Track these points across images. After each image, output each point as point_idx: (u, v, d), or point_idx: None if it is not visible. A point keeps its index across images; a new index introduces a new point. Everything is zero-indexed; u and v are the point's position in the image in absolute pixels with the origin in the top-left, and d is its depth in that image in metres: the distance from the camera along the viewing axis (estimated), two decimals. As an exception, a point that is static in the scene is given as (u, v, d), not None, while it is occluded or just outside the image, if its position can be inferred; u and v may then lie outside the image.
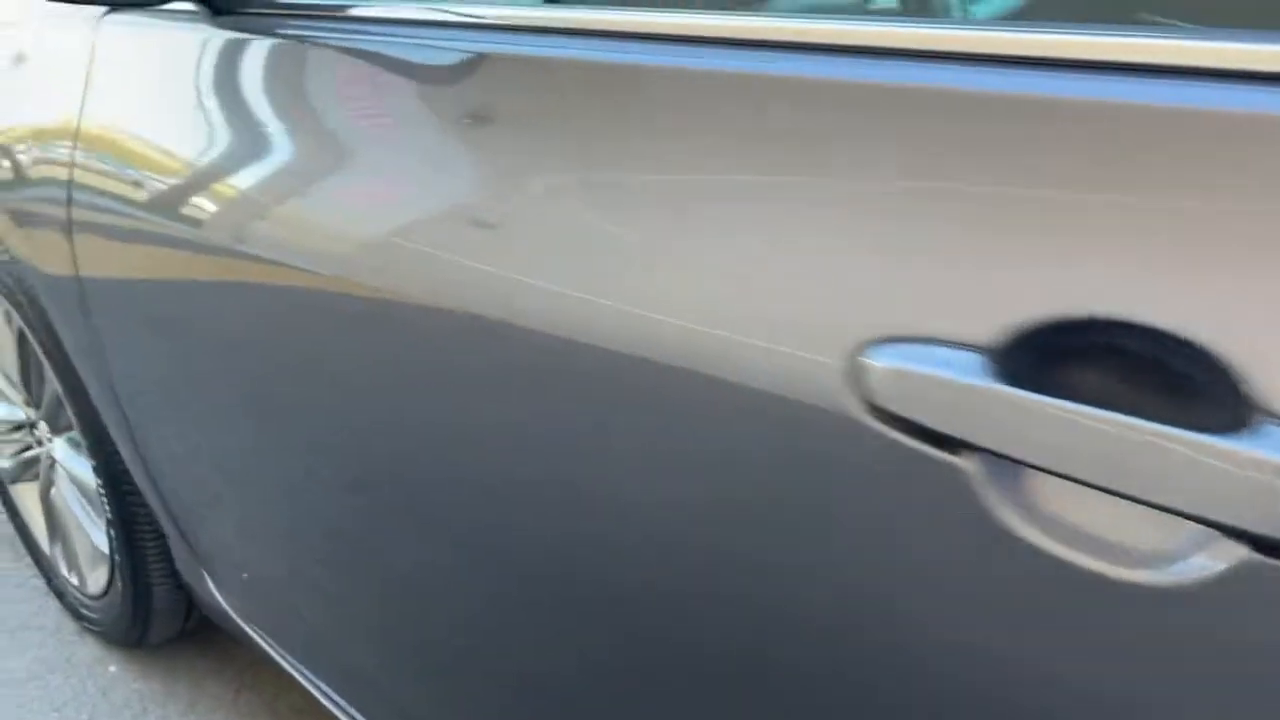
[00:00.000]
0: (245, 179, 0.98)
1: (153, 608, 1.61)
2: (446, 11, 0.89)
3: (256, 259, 0.96)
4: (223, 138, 1.02)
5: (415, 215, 0.82)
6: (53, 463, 1.77)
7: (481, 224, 0.77)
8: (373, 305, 0.85)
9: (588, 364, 0.70)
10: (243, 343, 1.02)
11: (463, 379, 0.79)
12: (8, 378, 1.80)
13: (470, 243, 0.77)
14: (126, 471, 1.48)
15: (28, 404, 1.78)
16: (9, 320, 1.70)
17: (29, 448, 1.88)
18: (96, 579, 1.71)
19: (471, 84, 0.82)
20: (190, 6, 1.09)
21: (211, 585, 1.39)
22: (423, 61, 0.87)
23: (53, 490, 1.80)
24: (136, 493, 1.49)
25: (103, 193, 1.17)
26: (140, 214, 1.11)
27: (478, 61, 0.82)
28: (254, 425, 1.06)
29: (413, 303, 0.81)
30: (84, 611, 1.78)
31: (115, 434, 1.41)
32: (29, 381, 1.72)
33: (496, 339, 0.75)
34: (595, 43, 0.76)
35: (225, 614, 1.39)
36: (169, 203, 1.07)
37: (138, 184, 1.11)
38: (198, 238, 1.03)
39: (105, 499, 1.54)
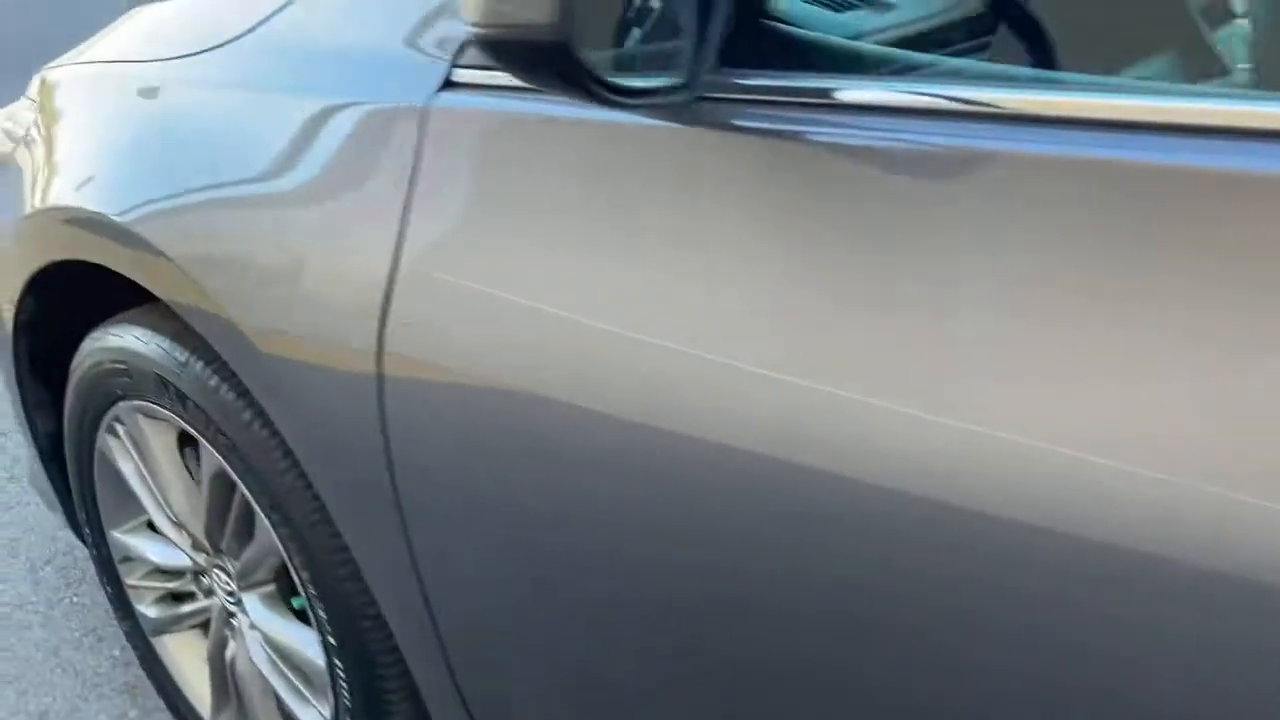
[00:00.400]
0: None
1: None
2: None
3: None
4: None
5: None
6: (228, 618, 1.48)
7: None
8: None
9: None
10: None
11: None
12: (168, 514, 1.50)
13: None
14: (382, 641, 1.20)
15: (197, 548, 1.48)
16: (172, 450, 1.41)
17: (186, 597, 1.57)
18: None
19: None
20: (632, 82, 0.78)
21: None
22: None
23: (229, 652, 1.50)
24: (392, 662, 1.21)
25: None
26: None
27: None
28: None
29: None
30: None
31: (383, 580, 1.12)
32: (214, 525, 1.42)
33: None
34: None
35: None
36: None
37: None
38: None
39: (342, 674, 1.26)
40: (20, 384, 1.64)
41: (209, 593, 1.52)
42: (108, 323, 1.40)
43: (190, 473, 1.44)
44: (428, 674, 1.15)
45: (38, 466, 1.73)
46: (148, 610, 1.63)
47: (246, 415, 1.21)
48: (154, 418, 1.40)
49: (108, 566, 1.64)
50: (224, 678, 1.53)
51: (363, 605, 1.20)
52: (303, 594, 1.28)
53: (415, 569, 1.05)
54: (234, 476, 1.28)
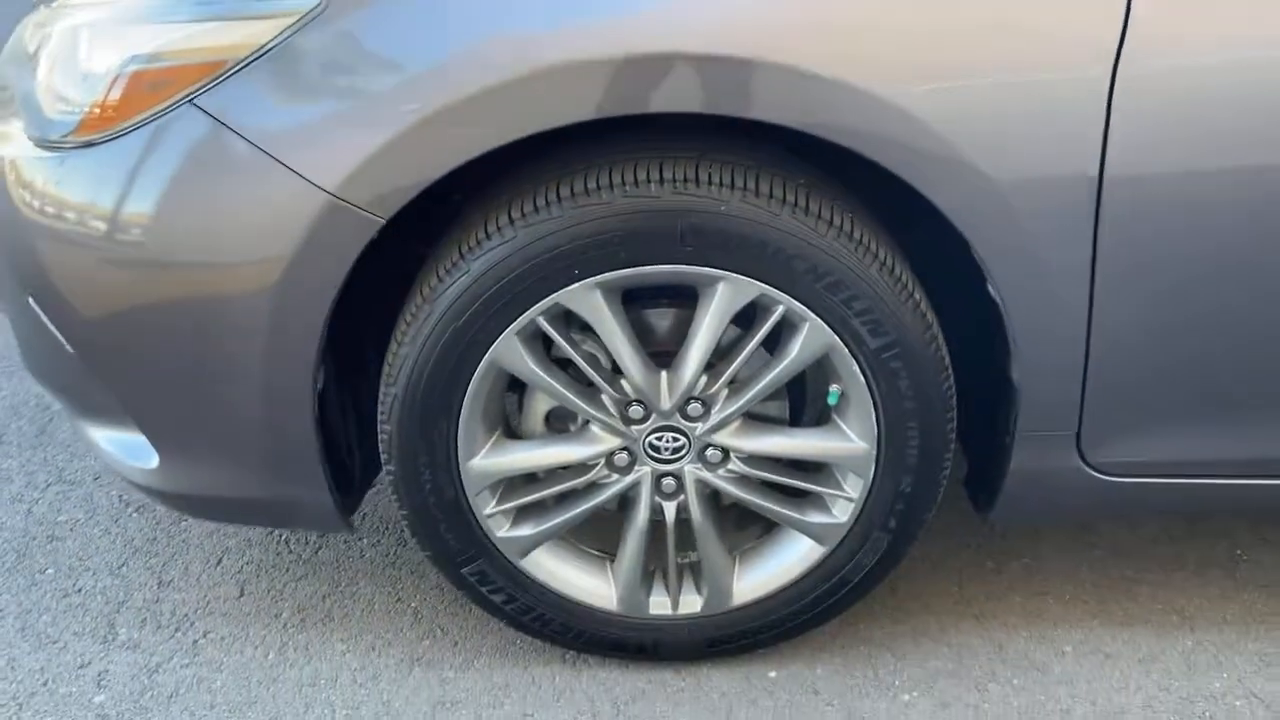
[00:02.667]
0: None
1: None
2: None
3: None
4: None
5: None
6: (658, 481, 1.49)
7: None
8: None
9: None
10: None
11: None
12: (613, 393, 1.44)
13: None
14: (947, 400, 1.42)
15: (631, 422, 1.44)
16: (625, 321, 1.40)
17: (576, 495, 1.50)
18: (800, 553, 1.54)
19: None
20: None
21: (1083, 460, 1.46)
22: None
23: (670, 509, 1.50)
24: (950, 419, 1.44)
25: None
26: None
27: None
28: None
29: None
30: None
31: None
32: (714, 374, 1.43)
33: None
34: None
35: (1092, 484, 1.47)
36: None
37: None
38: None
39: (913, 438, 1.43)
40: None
41: (627, 469, 1.48)
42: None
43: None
44: (1048, 404, 1.40)
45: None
46: (516, 531, 1.51)
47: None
48: (608, 291, 1.35)
49: (452, 510, 1.47)
50: (643, 549, 1.53)
51: (937, 365, 1.40)
52: (847, 382, 1.40)
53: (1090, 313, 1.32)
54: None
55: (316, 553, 1.89)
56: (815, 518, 1.51)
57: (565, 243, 1.31)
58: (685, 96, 1.24)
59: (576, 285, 1.34)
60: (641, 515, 1.51)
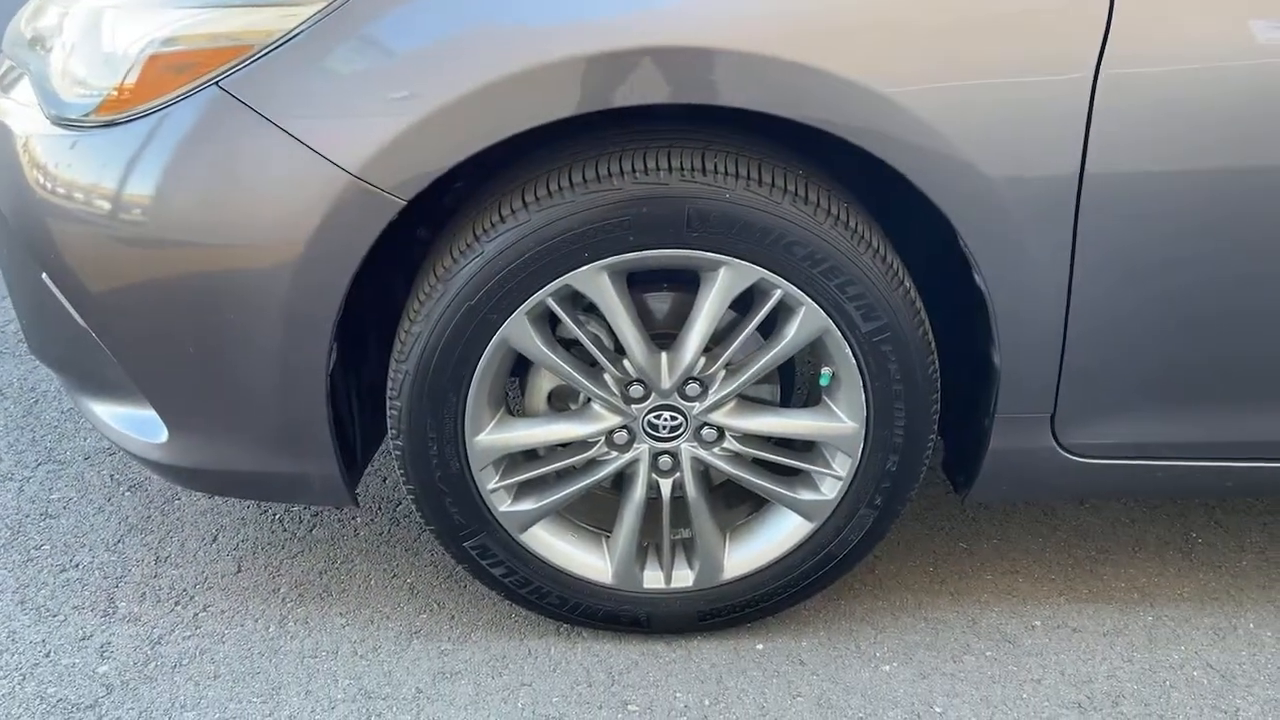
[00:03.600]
0: None
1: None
2: None
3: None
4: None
5: None
6: (656, 459, 1.55)
7: None
8: None
9: None
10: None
11: None
12: (615, 372, 1.50)
13: None
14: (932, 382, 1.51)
15: (632, 400, 1.50)
16: (630, 302, 1.47)
17: (571, 473, 1.57)
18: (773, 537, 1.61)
19: None
20: None
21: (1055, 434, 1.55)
22: None
23: (666, 486, 1.57)
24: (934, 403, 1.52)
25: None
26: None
27: None
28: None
29: None
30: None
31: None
32: (711, 356, 1.50)
33: None
34: None
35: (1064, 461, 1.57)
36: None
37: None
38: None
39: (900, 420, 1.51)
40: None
41: (626, 447, 1.55)
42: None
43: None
44: (1026, 387, 1.49)
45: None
46: (518, 506, 1.57)
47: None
48: (615, 274, 1.41)
49: (457, 485, 1.52)
50: (638, 524, 1.59)
51: (924, 349, 1.48)
52: (839, 365, 1.48)
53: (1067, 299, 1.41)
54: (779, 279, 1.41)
55: (311, 531, 1.93)
56: (805, 495, 1.58)
57: (577, 226, 1.38)
58: (710, 88, 1.32)
59: (586, 267, 1.40)
60: (638, 492, 1.58)
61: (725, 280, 1.43)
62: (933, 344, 1.49)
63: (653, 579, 1.64)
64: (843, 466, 1.56)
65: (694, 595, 1.64)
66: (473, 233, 1.41)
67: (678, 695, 1.58)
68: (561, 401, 1.61)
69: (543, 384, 1.59)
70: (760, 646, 1.69)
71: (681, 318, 1.51)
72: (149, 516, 1.96)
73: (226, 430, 1.54)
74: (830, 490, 1.57)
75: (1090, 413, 1.53)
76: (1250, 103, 1.32)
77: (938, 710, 1.58)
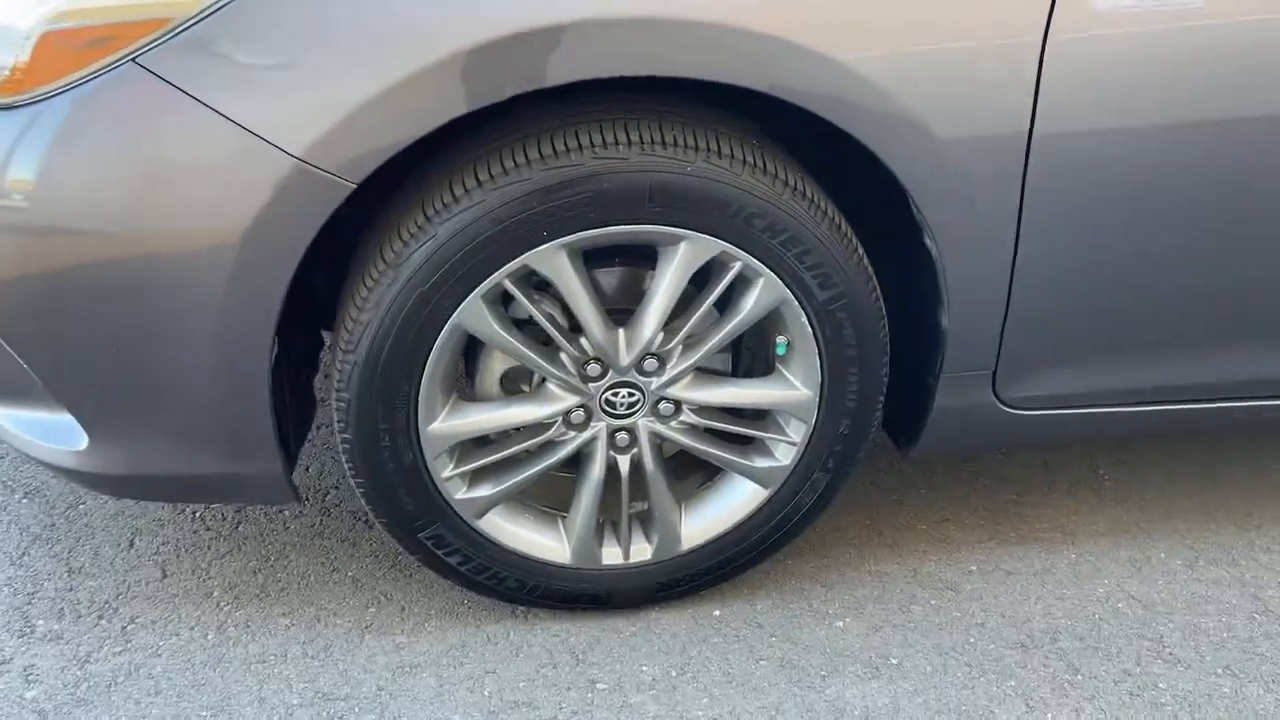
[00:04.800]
0: None
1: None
2: None
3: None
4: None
5: None
6: (612, 436, 1.53)
7: None
8: None
9: None
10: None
11: None
12: (574, 351, 1.47)
13: None
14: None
15: (589, 380, 1.47)
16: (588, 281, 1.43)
17: (545, 448, 1.53)
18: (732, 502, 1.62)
19: None
20: None
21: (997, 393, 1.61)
22: None
23: (624, 462, 1.55)
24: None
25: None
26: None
27: None
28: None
29: None
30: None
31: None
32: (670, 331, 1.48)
33: None
34: None
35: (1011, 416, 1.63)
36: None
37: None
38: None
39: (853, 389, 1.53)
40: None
41: (583, 426, 1.52)
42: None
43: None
44: (972, 346, 1.53)
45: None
46: (474, 492, 1.52)
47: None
48: (573, 252, 1.37)
49: (411, 476, 1.47)
50: (596, 503, 1.57)
51: (876, 315, 1.50)
52: (794, 333, 1.49)
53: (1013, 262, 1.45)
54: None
55: (237, 528, 1.83)
56: (761, 462, 1.59)
57: (536, 205, 1.33)
58: (668, 60, 1.28)
59: (545, 246, 1.36)
60: (597, 470, 1.55)
61: (686, 254, 1.41)
62: (883, 309, 1.52)
63: (611, 555, 1.63)
64: (797, 432, 1.57)
65: (652, 568, 1.64)
66: (423, 213, 1.34)
67: (644, 669, 1.58)
68: (513, 384, 1.56)
69: (495, 366, 1.54)
70: (717, 613, 1.70)
71: (634, 293, 1.49)
72: (53, 524, 1.82)
73: (154, 434, 1.44)
74: (785, 456, 1.59)
75: (1028, 368, 1.59)
76: (1194, 63, 1.37)
77: (894, 662, 1.62)
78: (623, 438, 1.55)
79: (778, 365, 1.56)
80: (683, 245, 1.40)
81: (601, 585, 1.64)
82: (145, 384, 1.38)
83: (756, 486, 1.62)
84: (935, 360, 1.56)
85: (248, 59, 1.24)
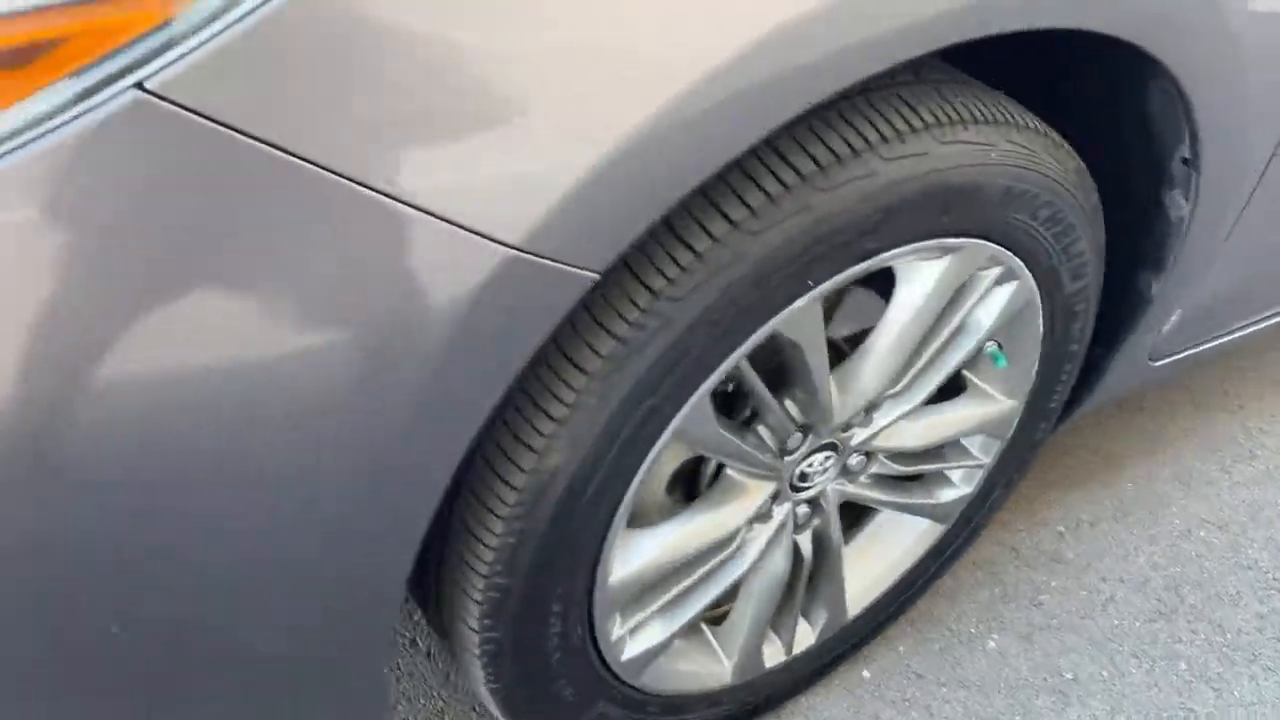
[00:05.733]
0: None
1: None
2: None
3: None
4: None
5: None
6: (796, 509, 1.11)
7: None
8: None
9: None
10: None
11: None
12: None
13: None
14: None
15: (778, 459, 1.02)
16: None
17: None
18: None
19: None
20: None
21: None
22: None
23: (804, 542, 1.14)
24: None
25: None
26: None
27: None
28: None
29: None
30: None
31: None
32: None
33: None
34: None
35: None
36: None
37: None
38: None
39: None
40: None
41: (768, 515, 1.07)
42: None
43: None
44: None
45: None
46: (641, 645, 1.04)
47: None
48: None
49: (577, 658, 0.95)
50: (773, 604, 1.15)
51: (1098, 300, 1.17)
52: (1013, 338, 1.12)
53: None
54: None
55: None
56: (945, 495, 1.24)
57: (810, 243, 0.83)
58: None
59: (803, 300, 0.87)
60: (779, 564, 1.12)
61: (951, 270, 0.98)
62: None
63: (772, 654, 1.22)
64: (985, 452, 1.23)
65: (815, 651, 1.26)
66: (646, 290, 0.80)
67: (840, 781, 1.23)
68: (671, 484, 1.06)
69: (664, 467, 1.03)
70: (866, 674, 1.36)
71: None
72: None
73: None
74: (967, 483, 1.25)
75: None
76: None
77: (1069, 677, 1.40)
78: (803, 512, 1.13)
79: (971, 378, 1.19)
80: (948, 259, 0.97)
81: (762, 692, 1.24)
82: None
83: (930, 523, 1.27)
84: (1125, 332, 1.28)
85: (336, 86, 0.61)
